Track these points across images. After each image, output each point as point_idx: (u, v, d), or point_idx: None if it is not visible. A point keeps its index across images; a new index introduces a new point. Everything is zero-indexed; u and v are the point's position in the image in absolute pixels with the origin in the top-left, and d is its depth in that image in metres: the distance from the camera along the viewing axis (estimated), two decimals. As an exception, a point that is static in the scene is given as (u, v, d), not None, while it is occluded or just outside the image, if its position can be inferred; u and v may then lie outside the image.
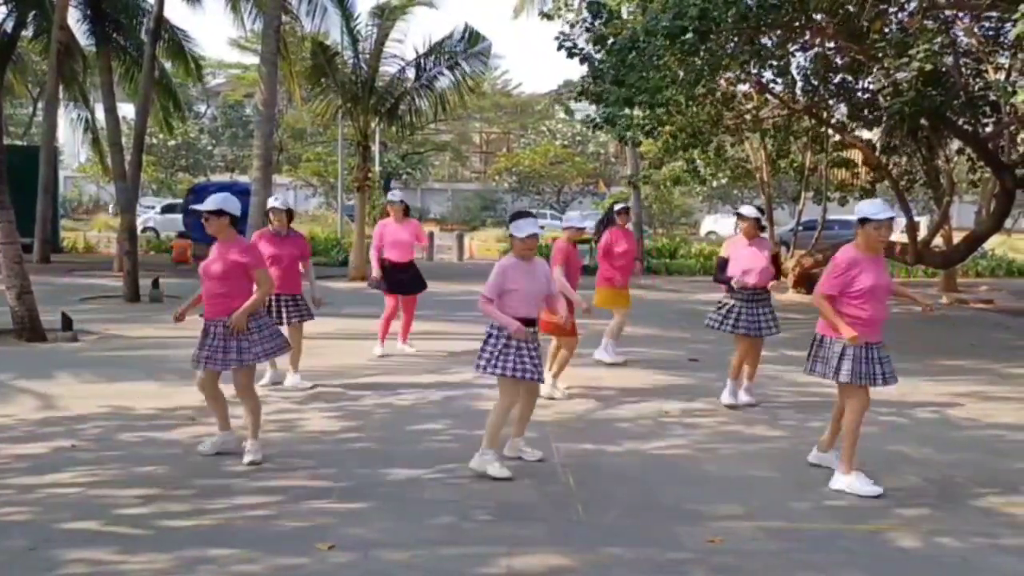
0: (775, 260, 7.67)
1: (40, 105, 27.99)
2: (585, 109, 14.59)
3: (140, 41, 19.88)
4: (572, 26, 14.51)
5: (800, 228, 19.65)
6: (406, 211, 9.76)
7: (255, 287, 5.63)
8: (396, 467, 5.63)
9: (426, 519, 4.73)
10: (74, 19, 20.47)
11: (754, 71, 14.31)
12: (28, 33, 23.08)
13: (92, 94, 24.80)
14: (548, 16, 18.55)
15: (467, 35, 18.94)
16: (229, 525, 4.60)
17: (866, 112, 14.75)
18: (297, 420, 6.82)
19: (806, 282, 16.65)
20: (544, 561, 4.22)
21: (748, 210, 7.58)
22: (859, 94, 14.96)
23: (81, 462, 5.61)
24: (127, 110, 27.76)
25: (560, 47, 12.60)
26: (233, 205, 5.67)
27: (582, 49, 12.84)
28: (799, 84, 15.24)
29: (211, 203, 5.61)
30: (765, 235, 7.84)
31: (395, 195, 10.05)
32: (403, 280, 9.63)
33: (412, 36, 66.70)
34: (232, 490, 5.14)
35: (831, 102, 15.42)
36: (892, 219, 5.33)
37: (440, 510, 4.87)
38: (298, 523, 4.64)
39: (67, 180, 46.19)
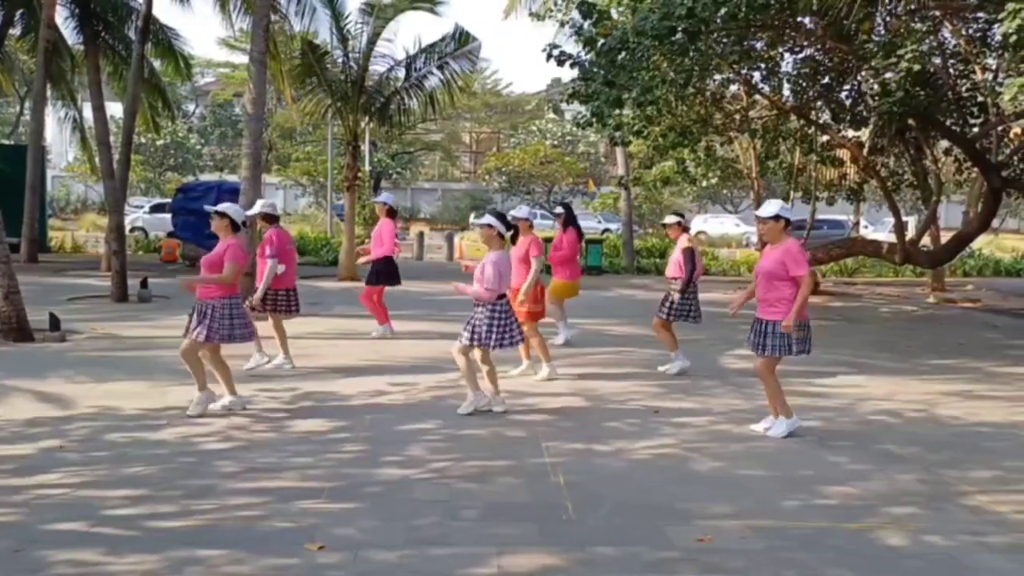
0: (684, 253, 8.78)
1: (27, 104, 27.86)
2: (575, 109, 14.59)
3: (128, 40, 19.79)
4: (562, 25, 14.51)
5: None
6: (392, 212, 10.94)
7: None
8: (385, 467, 5.63)
9: (416, 519, 4.72)
10: (62, 17, 20.37)
11: (743, 71, 14.36)
12: (16, 31, 22.96)
13: (80, 93, 24.68)
14: (538, 17, 18.55)
15: (458, 36, 18.94)
16: (218, 526, 4.59)
17: (852, 113, 14.82)
18: (286, 420, 6.80)
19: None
20: (534, 561, 4.22)
21: (670, 218, 9.24)
22: (844, 96, 15.04)
23: (69, 463, 5.58)
24: (115, 109, 27.63)
25: (549, 57, 12.58)
26: (236, 212, 6.97)
27: (571, 55, 12.83)
28: (788, 85, 15.30)
29: (222, 206, 7.01)
30: (686, 235, 9.04)
31: (388, 198, 11.29)
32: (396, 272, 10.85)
33: (402, 35, 66.65)
34: (221, 490, 5.12)
35: (819, 103, 15.48)
36: (762, 218, 6.48)
37: (430, 510, 4.87)
38: (287, 523, 4.62)
39: (55, 179, 45.94)
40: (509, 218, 8.43)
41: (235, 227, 6.87)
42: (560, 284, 10.33)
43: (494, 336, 6.85)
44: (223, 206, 6.96)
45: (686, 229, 9.05)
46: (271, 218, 8.76)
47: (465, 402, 7.06)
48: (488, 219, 7.04)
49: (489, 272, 6.82)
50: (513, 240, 7.26)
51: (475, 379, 7.06)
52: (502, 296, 6.93)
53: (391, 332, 10.72)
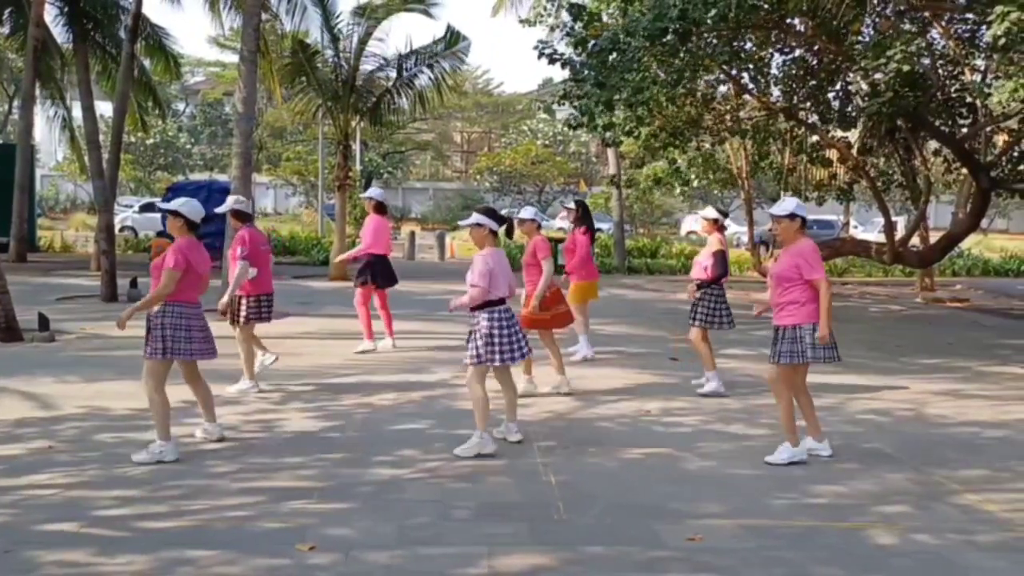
0: (715, 256, 7.97)
1: (16, 103, 27.75)
2: (566, 109, 14.62)
3: (118, 38, 19.72)
4: (552, 29, 14.50)
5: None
6: (381, 208, 10.16)
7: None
8: (377, 467, 5.63)
9: (407, 519, 4.72)
10: (51, 16, 20.27)
11: (733, 72, 14.40)
12: (4, 30, 22.86)
13: (69, 92, 24.56)
14: (528, 22, 18.57)
15: (449, 36, 18.96)
16: (209, 526, 4.58)
17: (840, 114, 14.88)
18: (277, 420, 6.79)
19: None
20: (525, 560, 4.22)
21: (710, 211, 8.29)
22: (833, 97, 15.11)
23: (58, 463, 5.56)
24: (105, 108, 27.53)
25: (541, 55, 12.58)
26: (191, 210, 5.99)
27: (563, 54, 12.85)
28: (778, 86, 15.34)
29: (175, 204, 6.07)
30: (719, 236, 8.08)
31: (375, 192, 10.46)
32: (390, 272, 9.97)
33: (393, 34, 66.85)
34: (212, 491, 5.11)
35: (808, 104, 15.54)
36: (777, 216, 5.99)
37: (421, 510, 4.87)
38: (278, 524, 4.62)
39: (44, 179, 45.78)
40: (515, 219, 7.73)
41: (191, 227, 5.95)
42: (577, 286, 9.59)
43: (497, 350, 5.93)
44: (176, 203, 6.05)
45: (722, 228, 8.10)
46: (243, 216, 7.93)
47: (467, 443, 5.97)
48: (476, 218, 6.17)
49: (479, 267, 5.95)
50: (508, 235, 6.30)
51: (487, 414, 6.04)
52: (501, 301, 6.05)
53: (375, 347, 9.77)
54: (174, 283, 5.72)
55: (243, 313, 7.71)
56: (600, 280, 10.39)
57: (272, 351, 8.23)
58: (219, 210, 8.21)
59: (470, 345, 6.00)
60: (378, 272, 9.74)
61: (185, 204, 6.02)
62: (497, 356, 5.94)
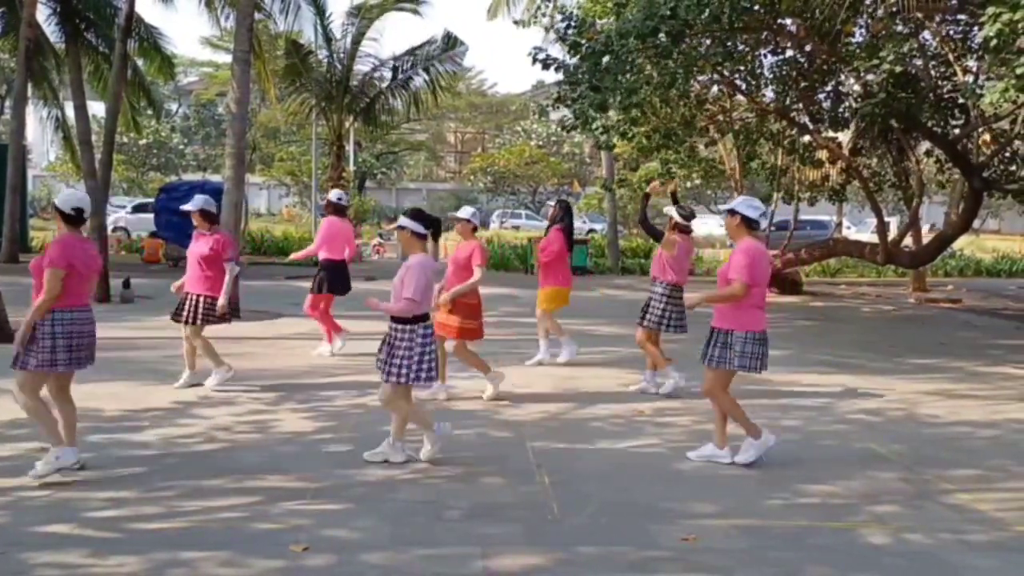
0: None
1: (8, 103, 27.63)
2: (561, 112, 14.66)
3: (111, 38, 19.67)
4: (547, 30, 14.50)
5: (772, 228, 19.82)
6: (338, 210, 9.76)
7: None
8: (371, 468, 5.62)
9: (401, 520, 4.72)
10: (44, 15, 20.22)
11: (726, 73, 14.45)
12: (-3, 30, 22.78)
13: (62, 91, 24.48)
14: (523, 24, 18.61)
15: (447, 40, 18.98)
16: (202, 527, 4.57)
17: (831, 115, 14.93)
18: (271, 421, 6.78)
19: (777, 282, 16.82)
20: (519, 561, 4.23)
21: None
22: (824, 98, 15.16)
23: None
24: (98, 108, 27.44)
25: (535, 61, 12.58)
26: (78, 201, 5.39)
27: (556, 59, 12.86)
28: (771, 87, 15.39)
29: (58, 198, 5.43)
30: (678, 234, 8.20)
31: (336, 193, 10.03)
32: (343, 278, 9.62)
33: (387, 35, 66.62)
34: (205, 492, 5.10)
35: (800, 105, 15.59)
36: (727, 211, 5.89)
37: (415, 511, 4.87)
38: (272, 525, 4.61)
39: (36, 179, 45.65)
40: (453, 219, 7.54)
41: (66, 219, 5.27)
42: (547, 292, 9.42)
43: (426, 367, 5.58)
44: (59, 197, 5.41)
45: (684, 230, 8.25)
46: (212, 217, 7.62)
47: (380, 447, 5.83)
48: (401, 220, 5.72)
49: (416, 279, 5.49)
50: (434, 238, 5.88)
51: (429, 417, 5.90)
52: (426, 316, 5.68)
53: (332, 352, 9.55)
54: (59, 285, 5.10)
55: (201, 312, 7.58)
56: (571, 288, 9.81)
57: (229, 364, 7.84)
58: (184, 208, 7.88)
59: (394, 360, 5.55)
60: (329, 279, 9.43)
61: (72, 196, 5.38)
62: (424, 374, 5.56)
